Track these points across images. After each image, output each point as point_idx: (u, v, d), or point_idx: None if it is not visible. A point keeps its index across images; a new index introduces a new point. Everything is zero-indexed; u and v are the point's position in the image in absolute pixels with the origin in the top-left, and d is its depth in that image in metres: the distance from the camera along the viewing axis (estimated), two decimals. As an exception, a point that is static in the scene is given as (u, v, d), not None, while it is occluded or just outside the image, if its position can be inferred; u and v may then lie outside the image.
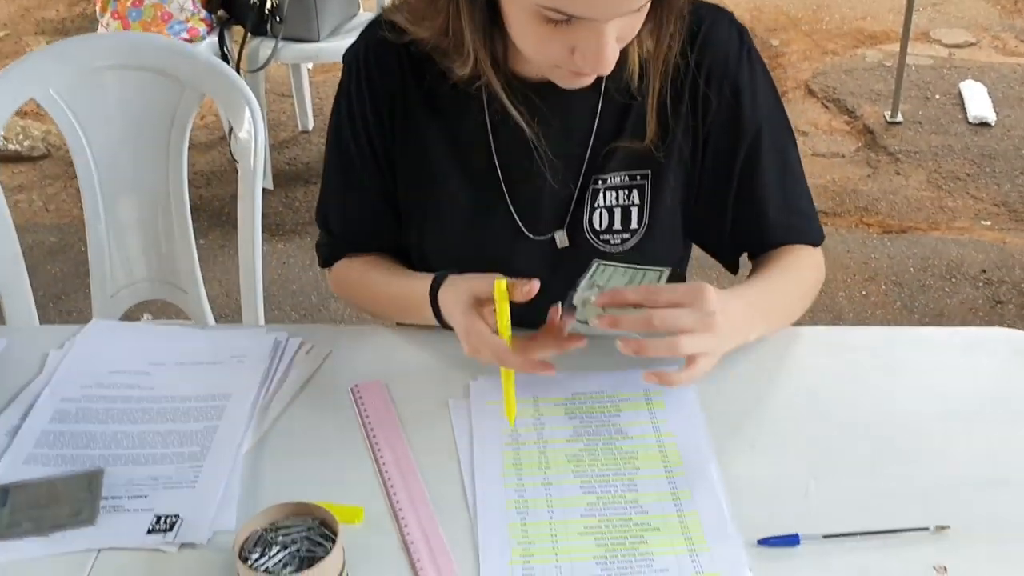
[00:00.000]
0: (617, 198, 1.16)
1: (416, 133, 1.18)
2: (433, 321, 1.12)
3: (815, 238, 1.21)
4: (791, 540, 0.91)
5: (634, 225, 1.17)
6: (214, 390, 1.12)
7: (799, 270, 1.19)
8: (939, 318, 2.64)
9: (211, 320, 1.73)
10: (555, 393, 1.10)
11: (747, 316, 1.06)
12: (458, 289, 1.07)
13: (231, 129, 2.04)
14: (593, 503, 0.96)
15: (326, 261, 1.31)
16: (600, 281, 1.04)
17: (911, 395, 1.09)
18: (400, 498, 0.98)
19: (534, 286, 0.98)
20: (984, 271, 2.82)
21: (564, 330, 1.03)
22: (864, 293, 2.74)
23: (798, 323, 1.20)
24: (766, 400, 1.10)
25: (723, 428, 1.05)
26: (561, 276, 1.06)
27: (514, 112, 1.09)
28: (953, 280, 2.79)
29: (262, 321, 1.68)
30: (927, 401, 1.08)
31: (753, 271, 1.21)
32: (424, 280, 1.12)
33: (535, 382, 1.11)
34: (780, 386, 1.13)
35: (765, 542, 0.91)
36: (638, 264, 1.06)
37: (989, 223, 3.05)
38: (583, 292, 1.01)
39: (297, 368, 1.15)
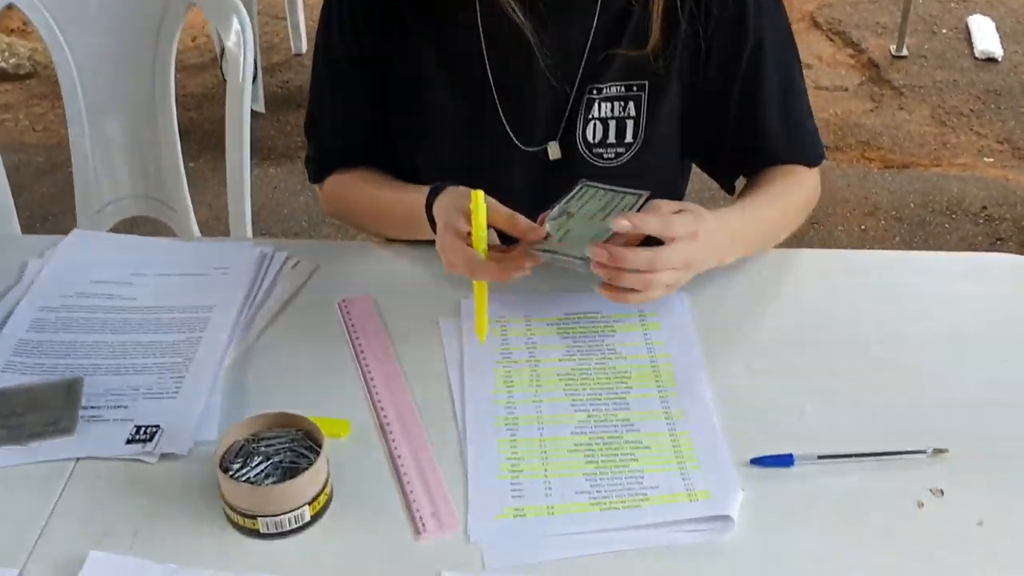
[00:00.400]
0: (612, 109, 1.12)
1: (406, 40, 1.13)
2: (428, 234, 1.08)
3: (815, 156, 1.18)
4: (785, 460, 0.89)
5: (628, 139, 1.13)
6: (197, 302, 1.09)
7: (788, 196, 1.15)
8: (937, 255, 2.60)
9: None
10: (548, 313, 1.07)
11: (724, 244, 1.03)
12: (444, 201, 1.03)
13: (223, 49, 1.99)
14: (584, 421, 0.94)
15: (316, 175, 1.27)
16: (574, 206, 1.01)
17: (910, 319, 1.06)
18: (388, 413, 0.95)
19: (519, 222, 0.96)
20: (985, 208, 2.78)
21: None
22: (863, 228, 2.70)
23: (797, 246, 1.17)
24: (763, 322, 1.08)
25: (719, 349, 1.03)
26: (552, 190, 1.03)
27: (511, 11, 1.04)
28: (953, 216, 2.76)
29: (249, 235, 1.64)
30: (927, 325, 1.05)
31: (743, 192, 1.18)
32: (420, 192, 1.09)
33: (528, 302, 1.08)
34: (778, 308, 1.10)
35: (758, 462, 0.89)
36: (627, 186, 1.03)
37: (992, 160, 3.01)
38: (555, 218, 0.99)
39: (283, 282, 1.12)
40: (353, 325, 1.06)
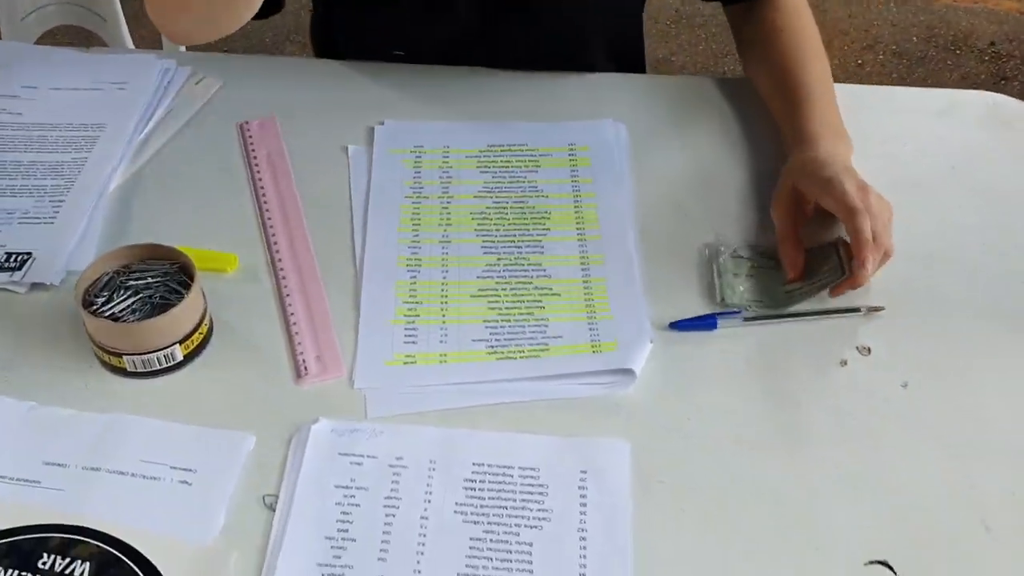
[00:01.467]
0: None
1: None
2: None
3: None
4: (707, 323, 0.82)
5: None
6: (88, 119, 1.00)
7: (810, 41, 1.00)
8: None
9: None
10: (468, 143, 0.98)
11: (845, 145, 0.92)
12: None
13: None
14: (493, 264, 0.86)
15: None
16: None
17: (870, 161, 0.96)
18: (280, 246, 0.88)
19: None
20: (993, 44, 2.62)
21: None
22: (859, 63, 2.55)
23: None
24: (703, 161, 0.98)
25: (652, 194, 0.94)
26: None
27: None
28: (958, 52, 2.60)
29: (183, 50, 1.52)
30: (883, 167, 0.95)
31: (790, 90, 0.97)
32: None
33: (448, 131, 0.99)
34: (723, 144, 1.00)
35: (677, 325, 0.82)
36: None
37: (1008, -8, 2.81)
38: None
39: (183, 100, 1.02)
40: (253, 150, 0.97)
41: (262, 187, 0.93)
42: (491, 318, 0.82)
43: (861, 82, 2.48)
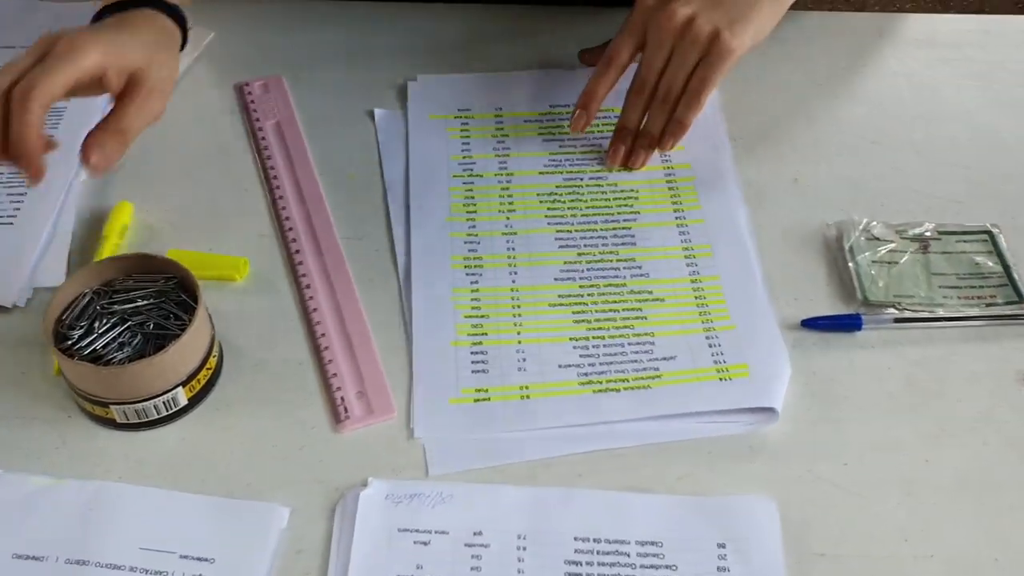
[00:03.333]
0: None
1: None
2: None
3: None
4: (851, 322, 0.64)
5: None
6: (51, 86, 0.80)
7: None
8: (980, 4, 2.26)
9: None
10: (525, 104, 0.79)
11: None
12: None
13: None
14: (573, 261, 0.68)
15: None
16: None
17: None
18: (302, 245, 0.70)
19: None
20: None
21: None
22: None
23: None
24: (816, 115, 0.80)
25: (755, 160, 0.76)
26: None
27: None
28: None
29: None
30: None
31: None
32: None
33: (498, 85, 0.80)
34: (840, 92, 0.82)
35: (812, 323, 0.64)
36: None
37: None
38: None
39: (168, 57, 0.83)
40: (257, 119, 0.78)
41: (272, 167, 0.74)
42: (579, 335, 0.64)
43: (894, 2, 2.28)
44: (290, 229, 0.70)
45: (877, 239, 0.70)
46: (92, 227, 0.71)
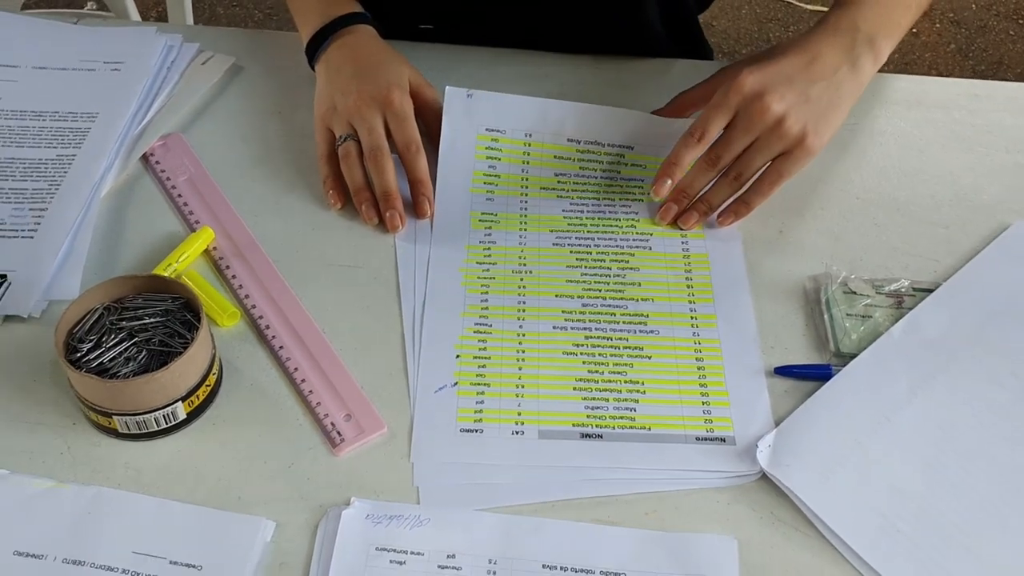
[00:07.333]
0: None
1: None
2: None
3: None
4: (820, 372, 0.67)
5: None
6: (77, 106, 0.85)
7: None
8: (996, 67, 2.29)
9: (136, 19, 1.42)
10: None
11: (839, 57, 0.75)
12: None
13: None
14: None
15: None
16: None
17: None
18: (249, 291, 0.73)
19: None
20: (1058, 14, 2.44)
21: None
22: (914, 31, 2.38)
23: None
24: (807, 169, 0.83)
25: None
26: None
27: None
28: (1021, 23, 2.42)
29: (190, 22, 1.37)
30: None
31: None
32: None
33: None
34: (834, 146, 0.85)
35: (784, 371, 0.67)
36: None
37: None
38: None
39: (189, 83, 0.87)
40: (169, 180, 0.79)
41: (197, 223, 0.76)
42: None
43: (914, 52, 2.31)
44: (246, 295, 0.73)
45: (854, 292, 0.73)
46: (106, 246, 0.75)
